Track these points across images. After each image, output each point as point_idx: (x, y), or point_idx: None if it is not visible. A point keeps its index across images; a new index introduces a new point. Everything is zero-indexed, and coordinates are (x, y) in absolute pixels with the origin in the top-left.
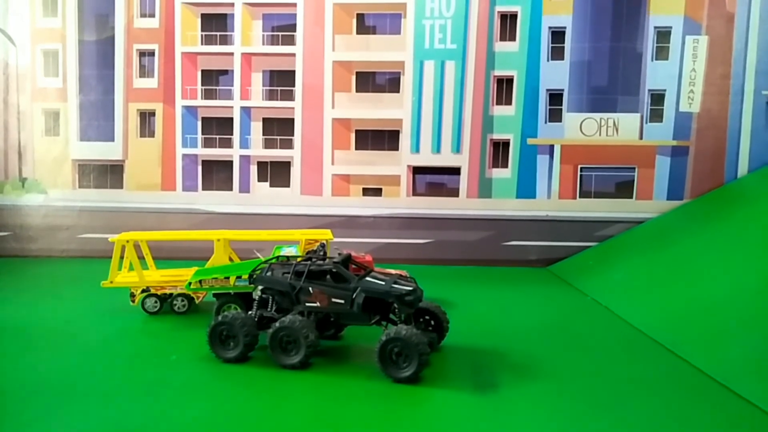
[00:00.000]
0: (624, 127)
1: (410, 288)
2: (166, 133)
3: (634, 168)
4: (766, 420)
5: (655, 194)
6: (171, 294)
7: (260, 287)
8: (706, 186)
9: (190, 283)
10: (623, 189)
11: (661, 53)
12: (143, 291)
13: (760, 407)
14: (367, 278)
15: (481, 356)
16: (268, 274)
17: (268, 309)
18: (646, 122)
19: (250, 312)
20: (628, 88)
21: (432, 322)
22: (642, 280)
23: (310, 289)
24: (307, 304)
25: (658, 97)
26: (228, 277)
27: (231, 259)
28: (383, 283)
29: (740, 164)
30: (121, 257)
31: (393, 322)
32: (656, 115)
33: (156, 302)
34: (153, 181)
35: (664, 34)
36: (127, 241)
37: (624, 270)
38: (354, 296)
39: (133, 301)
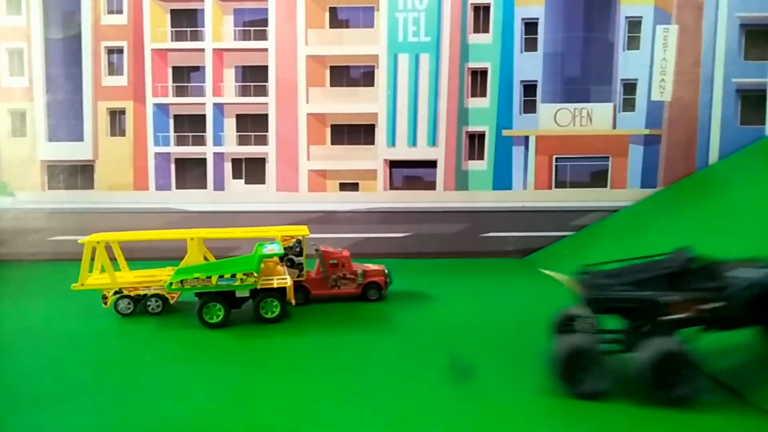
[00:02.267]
0: (597, 117)
1: None
2: (138, 131)
3: (608, 157)
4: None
5: (629, 182)
6: (145, 295)
7: (592, 306)
8: (679, 173)
9: (171, 284)
10: (598, 178)
11: (633, 43)
12: (116, 293)
13: (736, 390)
14: (734, 270)
15: (458, 346)
16: (602, 292)
17: (593, 331)
18: (619, 112)
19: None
20: (600, 78)
21: None
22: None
23: (669, 299)
24: (668, 318)
25: (630, 87)
26: (210, 276)
27: (206, 258)
28: (760, 269)
29: (711, 151)
30: (93, 259)
31: None
32: (629, 105)
33: (129, 304)
34: (125, 180)
35: (635, 24)
36: (98, 243)
37: (599, 258)
38: (734, 294)
39: (106, 303)
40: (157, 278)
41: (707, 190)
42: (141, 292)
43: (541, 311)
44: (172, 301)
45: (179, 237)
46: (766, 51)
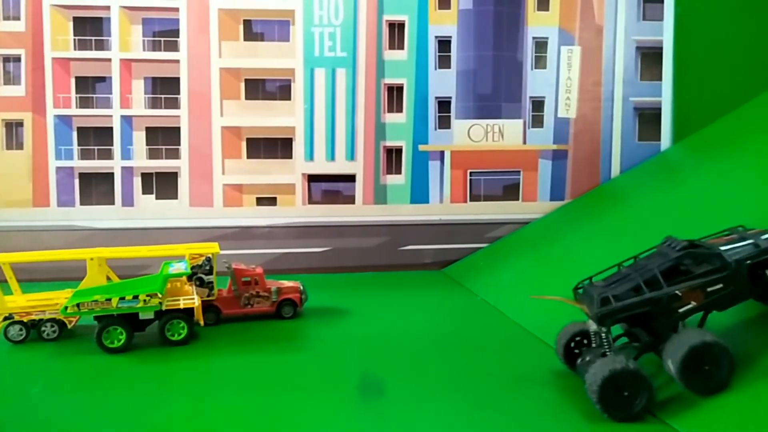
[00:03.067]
0: (508, 133)
1: None
2: (37, 144)
3: (519, 171)
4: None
5: (539, 196)
6: (40, 320)
7: (604, 321)
8: (584, 187)
9: (66, 308)
10: (510, 191)
11: (540, 62)
12: (5, 318)
13: None
14: (723, 247)
15: (370, 362)
16: (611, 304)
17: (607, 343)
18: (529, 128)
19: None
20: (511, 95)
21: None
22: (527, 279)
23: (678, 291)
24: (682, 311)
25: (538, 104)
26: (110, 299)
27: (109, 279)
28: (750, 242)
29: (613, 166)
30: None
31: None
32: (537, 121)
33: (21, 330)
34: (22, 196)
35: (541, 45)
36: None
37: (511, 269)
38: (733, 269)
39: None
40: (53, 301)
41: (611, 201)
42: (35, 317)
43: (456, 324)
44: (70, 326)
45: (77, 257)
46: (659, 72)
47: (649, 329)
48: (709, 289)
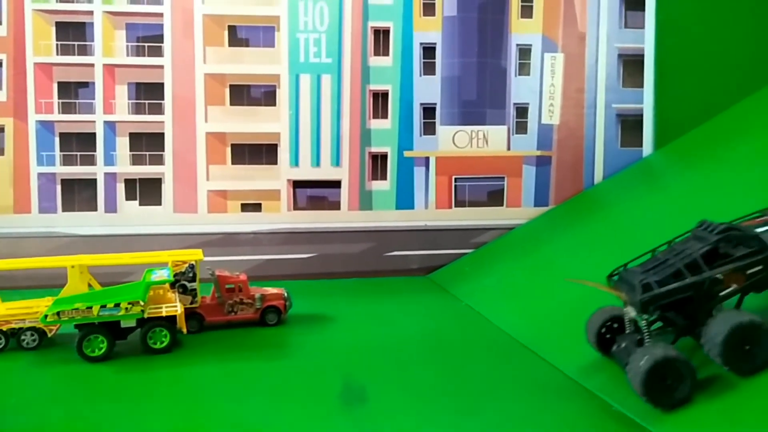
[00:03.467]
0: (493, 139)
1: None
2: (18, 150)
3: (503, 177)
4: (619, 415)
5: (523, 201)
6: (19, 328)
7: (646, 307)
8: (568, 193)
9: (46, 316)
10: (495, 197)
11: (524, 69)
12: None
13: (609, 402)
14: (759, 228)
15: (354, 369)
16: (652, 290)
17: (648, 332)
18: (513, 134)
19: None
20: (495, 101)
21: None
22: (511, 284)
23: (719, 275)
24: (722, 294)
25: (522, 110)
26: (91, 307)
27: (91, 286)
28: None
29: (596, 172)
30: None
31: None
32: (521, 127)
33: (0, 339)
34: (3, 203)
35: (525, 52)
36: None
37: (496, 275)
38: None
39: None
40: (33, 310)
41: (594, 207)
42: (14, 326)
43: (440, 330)
44: (50, 335)
45: (58, 265)
46: (640, 79)
47: (684, 313)
48: (749, 272)
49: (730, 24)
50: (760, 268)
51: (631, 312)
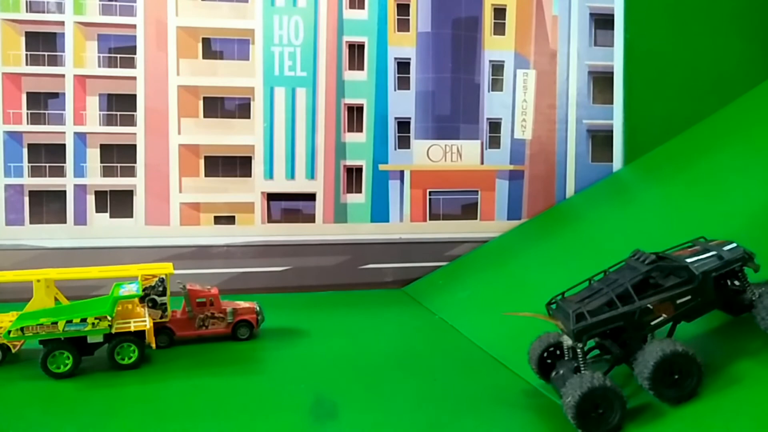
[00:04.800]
0: (467, 153)
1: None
2: None
3: (477, 191)
4: None
5: (496, 215)
6: None
7: (580, 336)
8: (540, 206)
9: (9, 332)
10: (469, 211)
11: (497, 85)
12: None
13: None
14: (689, 258)
15: (326, 384)
16: (586, 320)
17: (584, 358)
18: (486, 148)
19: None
20: (468, 116)
21: None
22: (484, 297)
23: (649, 305)
24: (653, 323)
25: (495, 125)
26: (56, 322)
27: (58, 301)
28: (713, 253)
29: (568, 186)
30: None
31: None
32: (494, 142)
33: None
34: None
35: (498, 68)
36: None
37: (469, 288)
38: (700, 281)
39: None
40: None
41: (566, 220)
42: None
43: (413, 344)
44: (14, 350)
45: (23, 279)
46: (610, 96)
47: (619, 341)
48: (678, 302)
49: (697, 43)
50: (688, 298)
51: (567, 340)
